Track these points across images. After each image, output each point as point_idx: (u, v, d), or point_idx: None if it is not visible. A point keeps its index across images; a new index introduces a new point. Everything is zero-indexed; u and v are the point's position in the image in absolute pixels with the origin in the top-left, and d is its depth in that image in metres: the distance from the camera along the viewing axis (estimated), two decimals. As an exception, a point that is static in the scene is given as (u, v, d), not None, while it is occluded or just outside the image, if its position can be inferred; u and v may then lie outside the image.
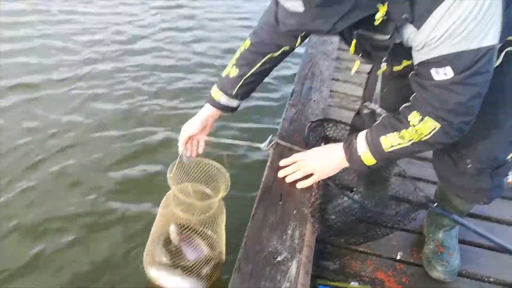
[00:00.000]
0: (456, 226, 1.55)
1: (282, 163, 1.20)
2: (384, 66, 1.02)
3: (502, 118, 1.11)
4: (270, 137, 1.17)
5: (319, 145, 1.38)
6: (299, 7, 0.72)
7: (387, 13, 0.79)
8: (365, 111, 1.30)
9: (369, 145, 1.03)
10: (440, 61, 0.82)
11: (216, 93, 1.25)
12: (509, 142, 1.18)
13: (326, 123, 1.43)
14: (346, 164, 1.11)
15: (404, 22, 0.80)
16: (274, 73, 3.91)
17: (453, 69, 0.81)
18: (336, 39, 2.52)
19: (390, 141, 0.99)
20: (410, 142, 0.97)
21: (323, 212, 1.33)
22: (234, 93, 1.23)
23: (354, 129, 1.42)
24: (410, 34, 0.83)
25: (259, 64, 1.20)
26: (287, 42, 1.17)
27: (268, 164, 1.23)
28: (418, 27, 0.79)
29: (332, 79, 2.23)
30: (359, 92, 2.36)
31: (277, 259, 0.94)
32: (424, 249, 1.55)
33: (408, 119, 0.96)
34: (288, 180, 1.18)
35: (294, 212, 1.08)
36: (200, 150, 1.32)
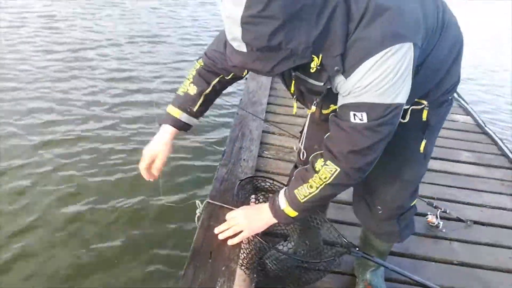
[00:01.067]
0: (381, 267, 1.69)
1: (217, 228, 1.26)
2: (313, 108, 1.13)
3: (403, 171, 1.28)
4: (204, 202, 1.26)
5: (248, 202, 1.50)
6: (243, 48, 0.79)
7: (321, 64, 0.89)
8: (295, 148, 1.42)
9: (287, 200, 1.13)
10: (359, 106, 0.93)
11: (176, 112, 1.25)
12: (411, 193, 1.35)
13: (255, 180, 1.56)
14: (274, 221, 1.18)
15: (336, 73, 0.90)
16: (209, 136, 3.95)
17: (368, 116, 0.93)
18: (265, 100, 2.76)
19: (303, 192, 1.09)
20: (318, 189, 1.07)
21: (260, 263, 1.42)
22: (195, 110, 1.25)
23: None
24: (339, 82, 0.93)
25: (214, 82, 1.24)
26: (236, 70, 1.22)
27: (199, 223, 1.32)
28: (346, 77, 0.90)
29: (263, 131, 2.42)
30: (292, 143, 2.57)
31: (205, 316, 1.01)
32: (355, 289, 1.67)
33: (315, 166, 1.06)
34: (220, 237, 1.23)
35: (223, 268, 1.17)
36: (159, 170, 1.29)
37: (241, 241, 1.25)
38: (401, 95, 0.92)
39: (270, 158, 2.43)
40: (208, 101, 1.27)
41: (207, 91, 1.24)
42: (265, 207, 1.21)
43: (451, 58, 1.13)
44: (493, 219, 2.22)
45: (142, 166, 1.26)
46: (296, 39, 0.79)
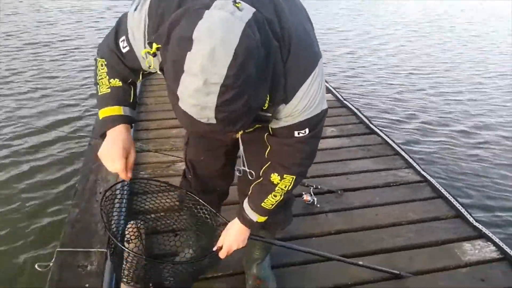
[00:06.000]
0: (266, 258, 1.75)
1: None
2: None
3: None
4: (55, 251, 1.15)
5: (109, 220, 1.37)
6: (212, 120, 0.80)
7: (270, 99, 0.98)
8: (238, 173, 1.44)
9: (257, 212, 1.31)
10: (300, 124, 1.08)
11: (115, 109, 1.12)
12: None
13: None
14: (249, 231, 1.38)
15: (280, 103, 1.02)
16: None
17: (309, 129, 1.10)
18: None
19: (269, 202, 1.28)
20: (282, 196, 1.26)
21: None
22: (131, 100, 1.16)
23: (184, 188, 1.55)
24: (279, 108, 1.04)
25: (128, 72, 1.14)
26: (132, 76, 1.15)
27: (48, 277, 1.21)
28: (286, 103, 1.03)
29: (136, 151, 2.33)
30: (169, 157, 2.54)
31: None
32: (246, 286, 1.71)
33: (271, 180, 1.21)
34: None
35: None
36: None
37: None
38: (324, 102, 1.11)
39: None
40: (135, 86, 1.19)
41: (130, 80, 1.15)
42: (238, 226, 1.36)
43: None
44: (359, 183, 2.48)
45: (119, 168, 1.11)
46: (260, 98, 0.88)
